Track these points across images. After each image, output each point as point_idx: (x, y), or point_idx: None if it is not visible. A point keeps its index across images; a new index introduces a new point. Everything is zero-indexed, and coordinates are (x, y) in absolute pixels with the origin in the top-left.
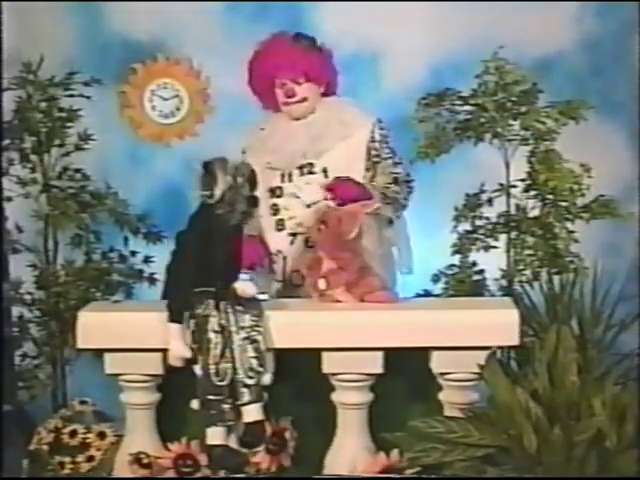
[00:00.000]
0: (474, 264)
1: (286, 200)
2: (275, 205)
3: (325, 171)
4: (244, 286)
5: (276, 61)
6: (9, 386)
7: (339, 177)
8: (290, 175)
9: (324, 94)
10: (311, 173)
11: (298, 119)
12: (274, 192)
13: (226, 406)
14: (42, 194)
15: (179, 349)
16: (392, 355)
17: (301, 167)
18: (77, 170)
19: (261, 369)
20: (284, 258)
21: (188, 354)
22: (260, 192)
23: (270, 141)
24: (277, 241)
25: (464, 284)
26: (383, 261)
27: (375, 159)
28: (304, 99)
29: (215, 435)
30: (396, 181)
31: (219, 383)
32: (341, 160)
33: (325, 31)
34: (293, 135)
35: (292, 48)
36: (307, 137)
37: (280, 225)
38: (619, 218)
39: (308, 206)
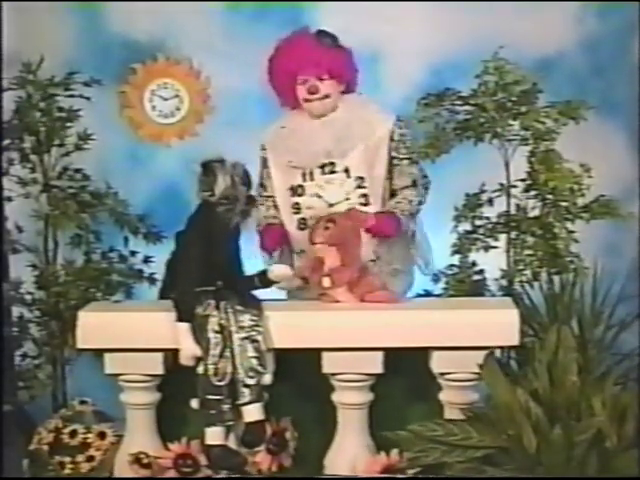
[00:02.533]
0: (474, 264)
1: (308, 199)
2: (297, 204)
3: (347, 170)
4: (280, 269)
5: (300, 57)
6: (9, 386)
7: (382, 212)
8: (312, 174)
9: (344, 92)
10: (332, 172)
11: (319, 117)
12: (295, 191)
13: (225, 406)
14: (42, 194)
15: (190, 348)
16: (392, 355)
17: (323, 166)
18: (77, 170)
19: (261, 369)
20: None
21: (199, 352)
22: (281, 190)
23: (291, 140)
24: (299, 240)
25: (464, 284)
26: (405, 273)
27: (394, 161)
28: (326, 96)
29: (214, 435)
30: (414, 183)
31: (218, 383)
32: (363, 160)
33: None
34: (315, 134)
35: (315, 45)
36: (330, 136)
37: (302, 224)
38: (619, 218)
39: (331, 205)
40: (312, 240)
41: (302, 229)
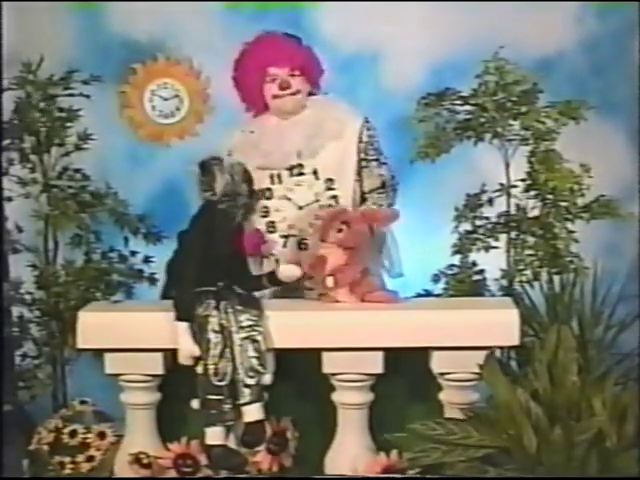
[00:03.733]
0: (474, 264)
1: (277, 202)
2: (265, 207)
3: (315, 172)
4: (290, 270)
5: (272, 52)
6: (9, 386)
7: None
8: (279, 176)
9: (310, 93)
10: (301, 174)
11: (288, 116)
12: (263, 194)
13: (226, 406)
14: (42, 194)
15: (189, 348)
16: (392, 355)
17: (291, 168)
18: (77, 170)
19: (261, 369)
20: (277, 261)
21: (197, 352)
22: None
23: (262, 143)
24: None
25: (464, 284)
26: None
27: (363, 162)
28: (297, 91)
29: (214, 435)
30: (383, 185)
31: (219, 383)
32: (332, 161)
33: (325, 31)
34: (286, 135)
35: (285, 42)
36: (301, 135)
37: (271, 227)
38: (619, 218)
39: (300, 208)
40: (322, 239)
41: (271, 232)
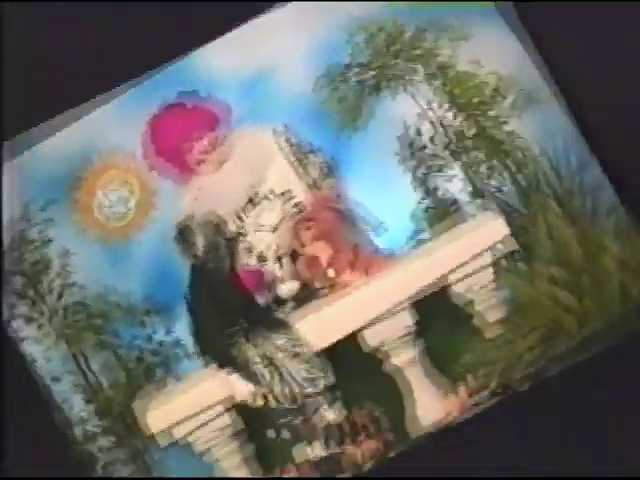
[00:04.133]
0: (444, 199)
1: (252, 236)
2: (245, 246)
3: (271, 192)
4: (288, 285)
5: (178, 128)
6: None
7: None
8: (240, 217)
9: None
10: (259, 202)
11: (221, 166)
12: (236, 239)
13: (301, 423)
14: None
15: (242, 388)
16: (419, 303)
17: (247, 203)
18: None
19: (315, 374)
20: (281, 279)
21: (252, 388)
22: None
23: (209, 205)
24: (266, 271)
25: (445, 219)
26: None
27: (298, 162)
28: (219, 144)
29: (303, 452)
30: (326, 169)
31: (282, 407)
32: (278, 177)
33: (217, 69)
34: (227, 186)
35: (184, 109)
36: (241, 177)
37: (261, 259)
38: (543, 104)
39: (274, 229)
40: (301, 244)
41: (264, 261)
